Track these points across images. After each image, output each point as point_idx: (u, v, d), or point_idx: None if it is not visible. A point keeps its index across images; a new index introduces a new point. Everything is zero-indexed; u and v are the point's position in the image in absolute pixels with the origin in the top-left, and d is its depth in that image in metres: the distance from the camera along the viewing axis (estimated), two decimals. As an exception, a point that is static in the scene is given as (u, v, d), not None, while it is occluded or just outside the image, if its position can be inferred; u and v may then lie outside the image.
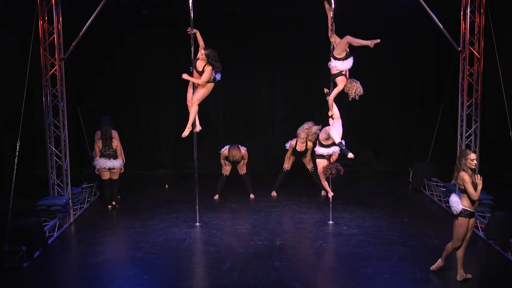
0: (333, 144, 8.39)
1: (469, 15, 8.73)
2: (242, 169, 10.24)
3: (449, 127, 10.71)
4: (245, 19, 11.73)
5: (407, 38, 11.96)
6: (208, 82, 8.30)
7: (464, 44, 8.88)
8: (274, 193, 10.51)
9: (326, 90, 8.57)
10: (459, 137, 9.16)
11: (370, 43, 8.00)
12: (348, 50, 8.27)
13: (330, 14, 8.34)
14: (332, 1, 8.23)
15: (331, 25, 8.34)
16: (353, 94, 8.22)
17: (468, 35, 8.80)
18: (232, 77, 12.45)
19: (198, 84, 8.31)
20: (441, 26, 8.87)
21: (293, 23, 11.91)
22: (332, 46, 8.34)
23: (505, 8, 9.75)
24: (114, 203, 9.86)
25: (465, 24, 8.81)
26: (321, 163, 8.57)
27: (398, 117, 12.72)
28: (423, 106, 12.50)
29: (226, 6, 11.04)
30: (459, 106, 9.15)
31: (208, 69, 8.21)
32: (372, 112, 12.64)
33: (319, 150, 8.57)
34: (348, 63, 8.26)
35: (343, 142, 8.21)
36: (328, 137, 8.39)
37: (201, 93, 8.35)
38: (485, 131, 10.00)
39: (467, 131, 9.06)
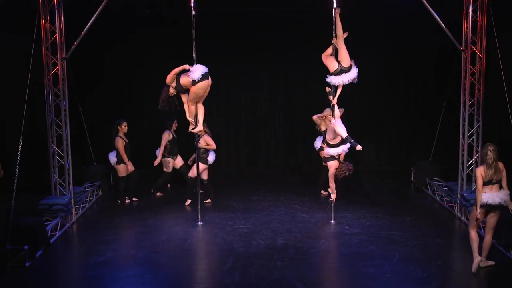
0: (341, 143, 8.41)
1: (471, 14, 8.72)
2: (204, 174, 9.86)
3: (451, 127, 10.71)
4: (246, 18, 11.72)
5: (409, 37, 11.95)
6: (192, 86, 8.27)
7: (466, 43, 8.87)
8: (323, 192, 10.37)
9: (328, 89, 8.58)
10: (461, 136, 9.15)
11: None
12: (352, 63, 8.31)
13: (338, 18, 8.30)
14: (334, 2, 8.22)
15: (333, 24, 8.31)
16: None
17: (470, 34, 8.78)
18: (233, 76, 12.48)
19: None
20: (443, 25, 8.86)
21: (295, 22, 11.90)
22: (334, 47, 8.33)
23: (507, 7, 9.73)
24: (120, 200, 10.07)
25: (467, 23, 8.80)
26: (333, 165, 8.60)
27: (400, 116, 12.72)
28: (425, 106, 12.49)
29: (227, 5, 11.03)
30: (461, 106, 9.13)
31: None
32: (373, 112, 12.64)
33: (329, 151, 8.56)
34: (353, 72, 8.30)
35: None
36: (335, 136, 8.42)
37: (192, 94, 8.33)
38: (487, 131, 9.98)
39: (469, 131, 9.04)
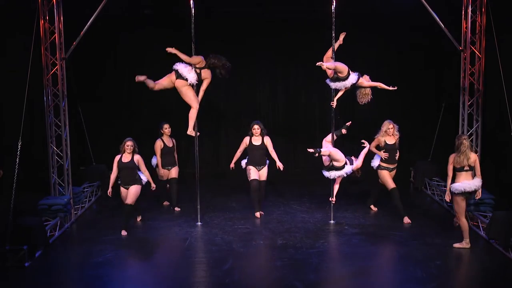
0: (342, 167, 8.62)
1: (470, 14, 8.73)
2: (129, 198, 8.40)
3: (451, 127, 10.70)
4: (246, 18, 11.71)
5: (408, 37, 11.94)
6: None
7: (466, 44, 8.88)
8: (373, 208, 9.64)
9: (343, 131, 8.91)
10: (460, 136, 9.14)
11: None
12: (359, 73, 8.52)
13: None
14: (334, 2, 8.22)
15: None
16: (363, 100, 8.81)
17: (469, 34, 8.80)
18: (233, 77, 12.44)
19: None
20: (442, 25, 8.87)
21: (295, 23, 11.89)
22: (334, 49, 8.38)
23: (506, 7, 9.75)
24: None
25: (466, 23, 8.82)
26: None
27: (399, 116, 12.68)
28: (424, 105, 12.48)
29: (227, 5, 11.03)
30: (460, 106, 9.15)
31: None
32: (373, 111, 12.62)
33: (338, 173, 8.71)
34: (350, 81, 8.45)
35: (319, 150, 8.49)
36: (336, 159, 8.57)
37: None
38: (486, 130, 9.99)
39: (468, 131, 9.06)
